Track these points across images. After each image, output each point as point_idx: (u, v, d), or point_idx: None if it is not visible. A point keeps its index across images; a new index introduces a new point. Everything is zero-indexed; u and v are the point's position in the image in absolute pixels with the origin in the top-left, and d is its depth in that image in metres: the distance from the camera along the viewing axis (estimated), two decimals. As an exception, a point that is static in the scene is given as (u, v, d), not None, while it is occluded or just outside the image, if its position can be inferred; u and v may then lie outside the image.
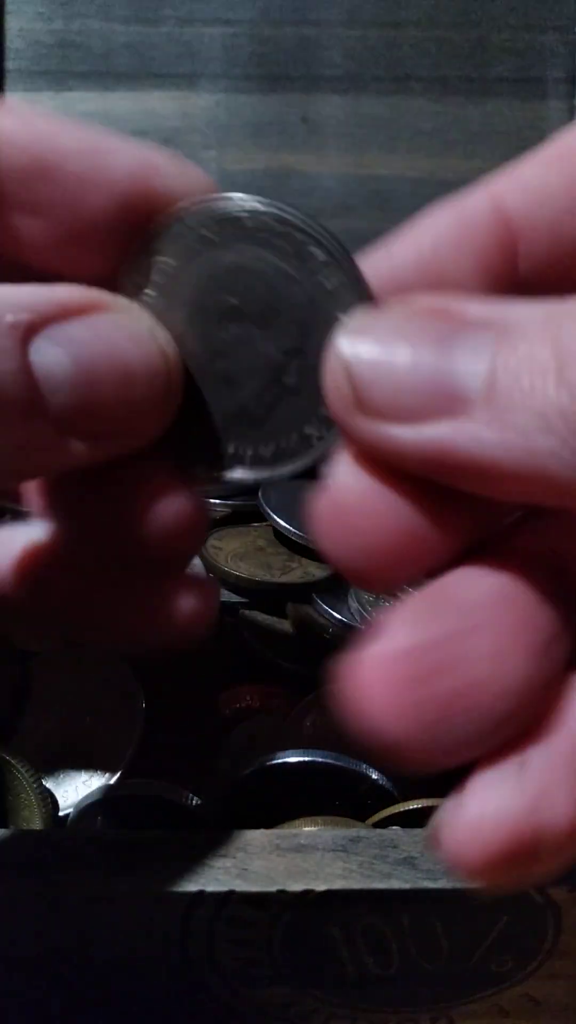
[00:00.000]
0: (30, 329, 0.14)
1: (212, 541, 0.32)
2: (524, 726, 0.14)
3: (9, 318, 0.14)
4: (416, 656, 0.13)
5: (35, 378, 0.14)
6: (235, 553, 0.32)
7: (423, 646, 0.13)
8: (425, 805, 0.23)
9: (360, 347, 0.14)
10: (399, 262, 0.17)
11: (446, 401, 0.13)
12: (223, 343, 0.17)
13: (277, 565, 0.31)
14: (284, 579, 0.31)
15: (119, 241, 0.16)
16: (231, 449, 0.17)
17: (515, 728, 0.14)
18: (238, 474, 0.17)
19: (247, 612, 0.31)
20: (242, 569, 0.31)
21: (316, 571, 0.32)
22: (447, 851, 0.14)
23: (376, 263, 0.17)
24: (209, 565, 0.31)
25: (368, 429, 0.14)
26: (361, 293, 0.16)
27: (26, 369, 0.14)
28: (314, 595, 0.31)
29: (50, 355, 0.14)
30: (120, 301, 0.16)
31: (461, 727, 0.13)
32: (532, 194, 0.16)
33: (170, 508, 0.16)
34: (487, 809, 0.13)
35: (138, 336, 0.15)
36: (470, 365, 0.13)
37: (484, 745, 0.14)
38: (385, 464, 0.14)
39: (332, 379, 0.14)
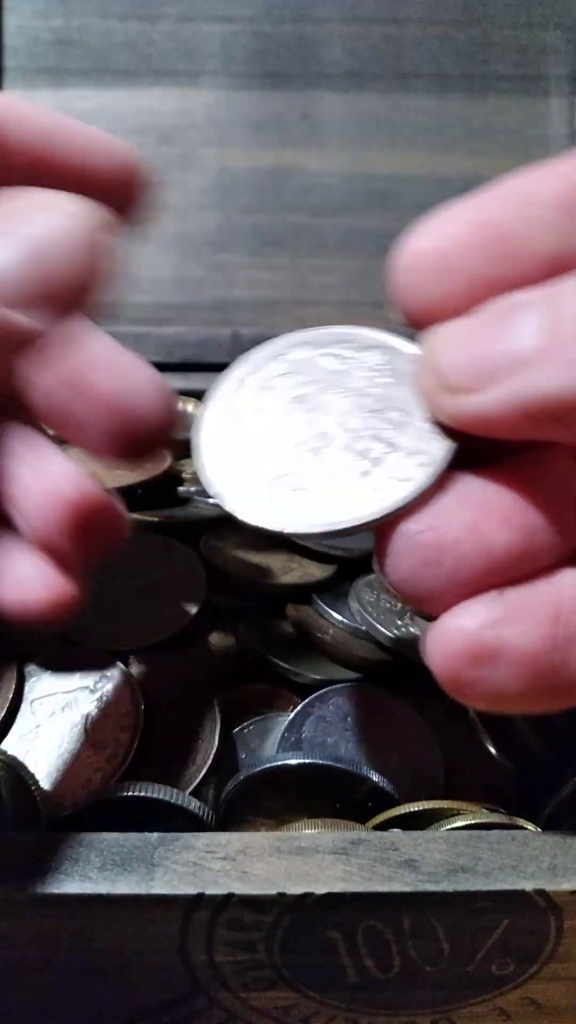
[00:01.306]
0: None
1: (212, 541, 0.32)
2: (507, 579, 0.17)
3: None
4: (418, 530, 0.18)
5: None
6: (235, 553, 0.32)
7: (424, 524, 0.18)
8: (426, 808, 0.23)
9: (438, 344, 0.18)
10: (494, 206, 0.19)
11: (513, 360, 0.16)
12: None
13: (277, 565, 0.31)
14: (284, 579, 0.30)
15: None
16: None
17: (493, 580, 0.17)
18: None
19: (247, 613, 0.31)
20: (242, 569, 0.31)
21: (316, 571, 0.31)
22: (427, 656, 0.17)
23: (469, 207, 0.19)
24: (209, 565, 0.31)
25: (457, 404, 0.17)
26: None
27: None
28: (314, 596, 0.31)
29: None
30: (52, 194, 0.19)
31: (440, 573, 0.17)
32: None
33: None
34: (458, 621, 0.17)
35: (58, 212, 0.19)
36: (527, 328, 0.16)
37: (463, 591, 0.17)
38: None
39: (422, 375, 0.18)
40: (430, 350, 0.18)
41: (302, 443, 0.19)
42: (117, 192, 0.21)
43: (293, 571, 0.31)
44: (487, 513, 0.17)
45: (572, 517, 0.18)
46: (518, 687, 0.17)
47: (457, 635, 0.17)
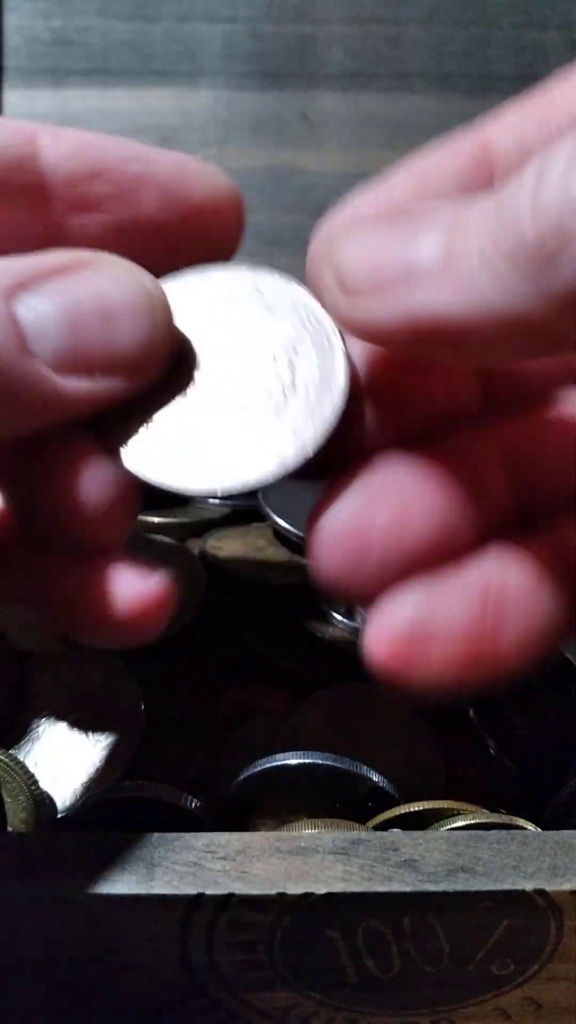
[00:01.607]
0: (16, 287, 0.16)
1: (212, 541, 0.32)
2: (435, 565, 0.17)
3: None
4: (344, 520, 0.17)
5: (21, 327, 0.16)
6: (235, 553, 0.32)
7: (351, 513, 0.17)
8: (426, 808, 0.23)
9: (342, 240, 0.17)
10: (399, 188, 0.19)
11: (411, 270, 0.16)
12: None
13: (277, 565, 0.31)
14: (284, 580, 0.30)
15: (159, 238, 0.19)
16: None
17: (420, 567, 0.17)
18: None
19: (247, 612, 0.31)
20: (242, 569, 0.31)
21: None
22: (367, 652, 0.17)
23: (376, 192, 0.19)
24: (209, 565, 0.31)
25: (350, 306, 0.17)
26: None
27: (10, 321, 0.16)
28: (315, 596, 0.31)
29: (36, 306, 0.17)
30: (105, 255, 0.18)
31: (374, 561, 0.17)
32: (510, 131, 0.19)
33: (93, 481, 0.18)
34: (388, 614, 0.17)
35: (119, 279, 0.18)
36: (430, 238, 0.16)
37: (394, 575, 0.17)
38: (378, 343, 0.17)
39: (320, 267, 0.17)
40: (332, 244, 0.17)
41: (209, 394, 0.19)
42: (203, 227, 0.20)
43: (293, 571, 0.31)
44: (408, 503, 0.17)
45: (486, 492, 0.18)
46: (453, 671, 0.17)
47: (388, 629, 0.17)
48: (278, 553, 0.32)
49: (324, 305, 0.18)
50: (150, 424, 0.18)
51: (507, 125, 0.19)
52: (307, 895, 0.19)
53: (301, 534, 0.31)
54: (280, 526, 0.32)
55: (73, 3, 0.44)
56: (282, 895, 0.19)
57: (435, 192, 0.19)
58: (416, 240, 0.16)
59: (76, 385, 0.17)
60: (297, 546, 0.32)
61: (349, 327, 0.17)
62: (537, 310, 0.14)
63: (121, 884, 0.19)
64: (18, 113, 0.44)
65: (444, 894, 0.19)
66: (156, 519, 0.34)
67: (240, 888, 0.19)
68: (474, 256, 0.15)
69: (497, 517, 0.18)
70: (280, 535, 0.32)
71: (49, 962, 0.21)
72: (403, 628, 0.17)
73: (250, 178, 0.43)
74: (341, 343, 0.18)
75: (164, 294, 0.18)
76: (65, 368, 0.17)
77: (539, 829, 0.22)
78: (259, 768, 0.24)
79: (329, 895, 0.19)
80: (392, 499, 0.17)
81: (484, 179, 0.19)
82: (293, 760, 0.24)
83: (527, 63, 0.45)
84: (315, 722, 0.27)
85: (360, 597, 0.18)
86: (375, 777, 0.24)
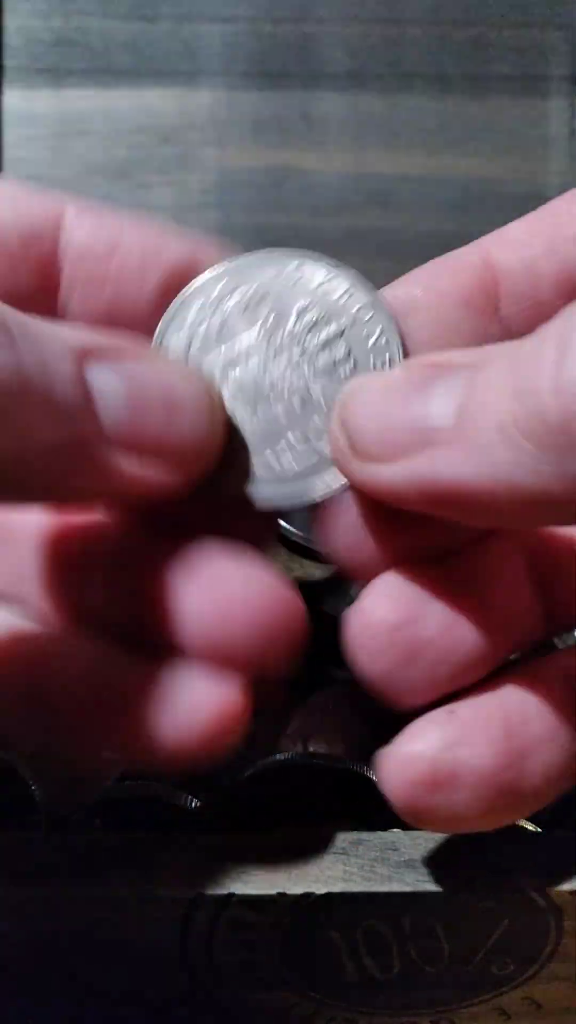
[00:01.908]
0: (88, 353, 0.16)
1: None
2: (464, 684, 0.17)
3: (72, 342, 0.16)
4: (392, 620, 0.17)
5: (89, 390, 0.16)
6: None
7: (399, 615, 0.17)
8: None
9: (352, 404, 0.17)
10: (395, 307, 0.19)
11: (423, 436, 0.15)
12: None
13: (277, 566, 0.31)
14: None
15: (157, 316, 0.19)
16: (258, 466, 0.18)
17: (459, 683, 0.17)
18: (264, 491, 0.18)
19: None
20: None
21: (316, 571, 0.31)
22: (383, 786, 0.17)
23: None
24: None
25: (362, 471, 0.17)
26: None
27: (82, 383, 0.16)
28: (315, 597, 0.31)
29: (105, 378, 0.16)
30: (168, 353, 0.18)
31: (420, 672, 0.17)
32: (516, 250, 0.19)
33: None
34: (413, 747, 0.17)
35: (184, 374, 0.18)
36: (443, 401, 0.15)
37: (436, 689, 0.17)
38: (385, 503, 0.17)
39: (332, 430, 0.17)
40: (344, 408, 0.17)
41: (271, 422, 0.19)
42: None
43: (293, 571, 0.32)
44: (458, 611, 0.17)
45: (516, 615, 0.18)
46: (478, 808, 0.17)
47: (414, 761, 0.17)
48: (278, 554, 0.32)
49: (338, 466, 0.18)
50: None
51: (512, 242, 0.19)
52: (307, 895, 0.19)
53: (301, 535, 0.31)
54: (280, 527, 0.32)
55: (73, 3, 0.44)
56: (282, 895, 0.19)
57: (437, 312, 0.18)
58: (428, 404, 0.16)
59: (128, 465, 0.16)
60: (297, 547, 0.32)
61: (363, 489, 0.17)
62: (559, 489, 0.14)
63: (121, 884, 0.19)
64: (18, 113, 0.44)
65: (444, 894, 0.19)
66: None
67: (240, 888, 0.19)
68: (491, 427, 0.14)
69: (524, 632, 0.18)
70: (280, 536, 0.32)
71: (49, 962, 0.21)
72: (425, 769, 0.16)
73: (250, 177, 0.43)
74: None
75: (220, 395, 0.18)
76: (122, 446, 0.16)
77: (539, 829, 0.22)
78: (259, 767, 0.24)
79: (329, 895, 0.19)
80: (443, 607, 0.17)
81: (489, 297, 0.18)
82: (293, 760, 0.24)
83: (527, 63, 0.45)
84: (316, 722, 0.27)
85: (401, 703, 0.17)
86: (375, 777, 0.24)
